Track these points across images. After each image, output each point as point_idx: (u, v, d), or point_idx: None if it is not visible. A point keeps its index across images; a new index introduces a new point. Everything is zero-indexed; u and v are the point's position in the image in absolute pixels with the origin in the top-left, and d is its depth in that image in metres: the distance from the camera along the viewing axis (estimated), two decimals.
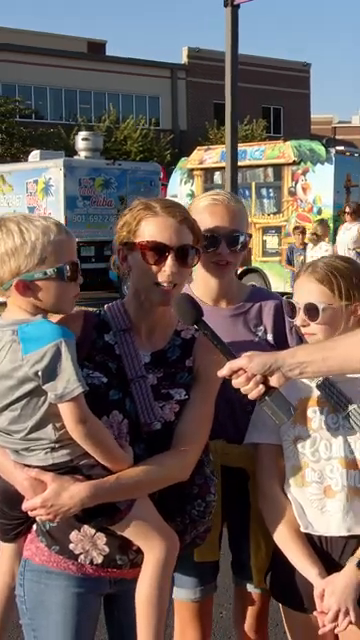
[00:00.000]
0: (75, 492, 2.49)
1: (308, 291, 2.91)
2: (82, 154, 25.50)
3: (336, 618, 2.80)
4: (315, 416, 2.91)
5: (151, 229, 2.69)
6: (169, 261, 2.67)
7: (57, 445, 2.49)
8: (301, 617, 2.97)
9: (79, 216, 22.35)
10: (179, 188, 20.65)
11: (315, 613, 2.86)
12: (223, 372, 2.63)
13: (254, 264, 17.91)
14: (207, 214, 3.09)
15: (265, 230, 18.74)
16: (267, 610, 3.33)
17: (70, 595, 2.69)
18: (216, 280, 3.19)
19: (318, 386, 2.91)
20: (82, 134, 26.66)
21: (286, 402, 2.63)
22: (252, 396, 2.60)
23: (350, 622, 2.80)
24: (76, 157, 25.49)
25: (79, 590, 2.70)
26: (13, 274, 2.48)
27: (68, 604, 2.69)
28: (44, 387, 2.41)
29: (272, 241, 18.55)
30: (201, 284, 3.22)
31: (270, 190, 19.14)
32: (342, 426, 2.86)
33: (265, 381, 2.60)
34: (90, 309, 2.88)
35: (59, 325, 2.49)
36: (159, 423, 2.67)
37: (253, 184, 19.21)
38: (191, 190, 20.39)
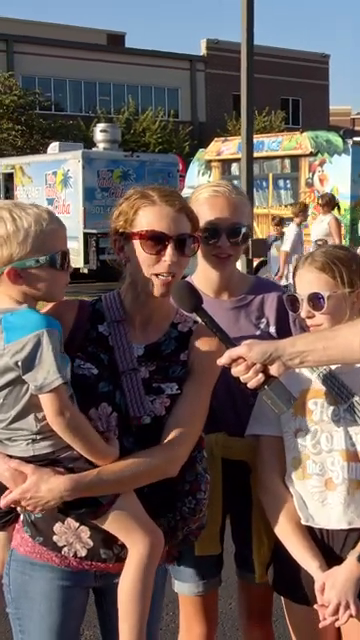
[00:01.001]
0: (54, 485, 2.45)
1: (309, 281, 2.88)
2: (100, 146, 25.55)
3: (337, 612, 2.78)
4: (316, 408, 2.87)
5: (149, 218, 2.63)
6: (169, 250, 2.61)
7: (38, 437, 2.46)
8: (303, 610, 2.94)
9: (97, 207, 22.39)
10: (197, 179, 20.58)
11: (316, 606, 2.84)
12: (222, 360, 2.60)
13: None
14: (208, 206, 3.05)
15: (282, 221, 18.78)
16: (271, 603, 3.31)
17: (54, 587, 2.67)
18: (217, 272, 3.15)
19: (320, 377, 2.87)
20: (100, 126, 26.72)
21: (286, 392, 2.60)
22: (251, 385, 2.57)
23: (351, 616, 2.78)
24: (94, 149, 25.55)
25: (63, 583, 2.68)
26: (4, 262, 2.44)
27: (52, 596, 2.67)
28: (24, 377, 2.37)
29: None
30: (202, 276, 3.19)
31: (287, 181, 19.13)
32: (343, 418, 2.83)
33: (265, 370, 2.56)
34: (86, 299, 2.84)
35: (44, 315, 2.45)
36: (149, 417, 2.62)
37: (270, 175, 19.22)
38: (209, 182, 20.34)
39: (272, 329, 3.17)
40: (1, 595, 2.82)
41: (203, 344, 2.73)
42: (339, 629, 2.90)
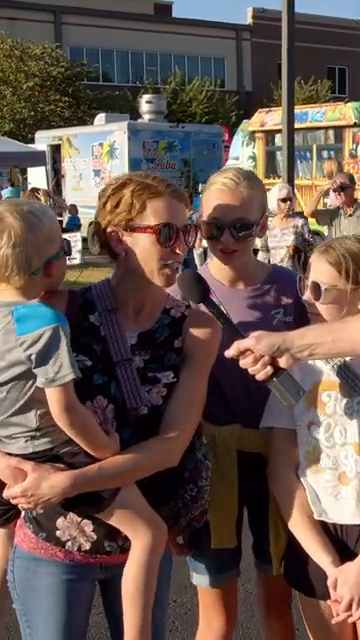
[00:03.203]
0: (56, 482, 2.44)
1: (318, 270, 2.86)
2: (146, 117, 25.63)
3: (350, 607, 2.76)
4: (329, 400, 2.83)
5: (161, 210, 2.57)
6: (181, 242, 2.60)
7: (38, 433, 2.43)
8: (318, 604, 2.91)
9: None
10: (241, 150, 20.66)
11: (329, 602, 2.82)
12: (230, 352, 2.57)
13: (315, 227, 17.95)
14: (214, 200, 2.98)
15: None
16: (290, 595, 3.25)
17: (60, 582, 2.66)
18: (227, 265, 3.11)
19: (334, 369, 2.83)
20: (146, 97, 26.80)
21: (295, 384, 2.56)
22: (259, 377, 2.54)
23: None
24: (140, 120, 25.67)
25: (69, 577, 2.66)
26: (42, 259, 2.46)
27: (58, 591, 2.66)
28: (35, 370, 2.34)
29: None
30: (217, 265, 3.14)
31: (331, 152, 19.03)
32: (357, 411, 2.78)
33: (274, 362, 2.53)
34: (75, 288, 2.77)
35: (56, 309, 2.43)
36: (146, 408, 2.58)
37: (314, 146, 19.17)
38: (253, 152, 20.39)
39: (289, 319, 3.10)
40: (6, 591, 2.84)
41: (197, 330, 2.68)
42: (355, 623, 2.87)
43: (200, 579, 3.22)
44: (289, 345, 2.52)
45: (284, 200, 10.65)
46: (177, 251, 2.59)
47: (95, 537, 2.60)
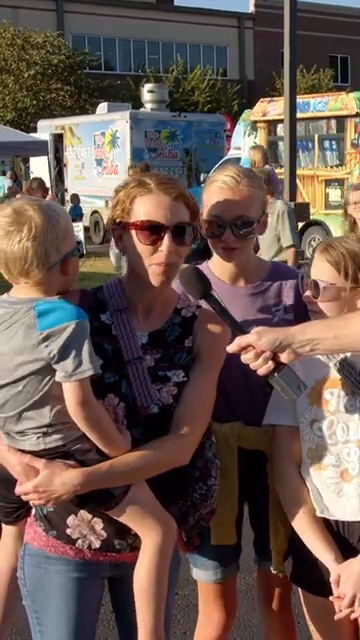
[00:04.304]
0: (68, 479, 2.44)
1: (318, 269, 2.88)
2: (148, 106, 25.57)
3: (352, 604, 2.77)
4: (332, 398, 2.85)
5: (146, 207, 2.57)
6: (165, 241, 2.56)
7: (50, 430, 2.44)
8: (320, 601, 2.93)
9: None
10: (242, 140, 20.59)
11: (331, 598, 2.82)
12: (232, 348, 2.59)
13: (317, 217, 17.99)
14: (215, 198, 3.00)
15: (328, 183, 18.69)
16: (290, 592, 3.30)
17: (70, 579, 2.67)
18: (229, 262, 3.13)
19: (336, 367, 2.85)
20: (148, 86, 26.72)
21: (296, 379, 2.57)
22: (261, 372, 2.55)
23: None
24: (142, 109, 25.66)
25: (79, 574, 2.68)
26: (60, 254, 2.47)
27: (68, 588, 2.67)
28: (55, 365, 2.35)
29: (334, 194, 18.38)
30: (217, 263, 3.16)
31: (333, 142, 19.00)
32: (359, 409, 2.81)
33: (275, 357, 2.55)
34: (87, 288, 2.78)
35: (76, 306, 2.44)
36: (156, 406, 2.59)
37: (316, 136, 19.11)
38: (254, 142, 20.22)
39: (289, 316, 3.11)
40: (16, 587, 2.87)
41: (207, 329, 2.70)
42: (356, 620, 2.88)
43: (200, 574, 3.27)
44: (290, 340, 2.54)
45: None
46: (161, 249, 2.57)
47: (105, 535, 2.61)
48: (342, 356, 2.83)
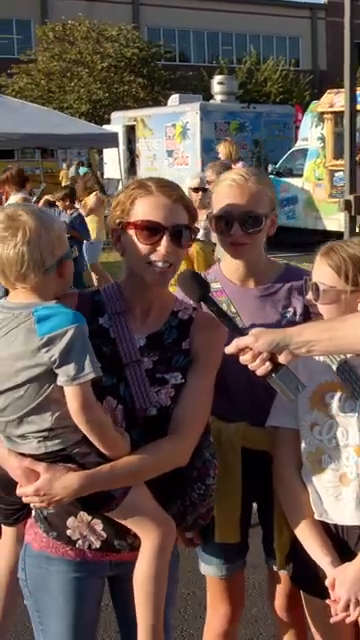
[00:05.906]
0: (68, 482, 2.48)
1: (319, 272, 2.89)
2: (218, 98, 25.56)
3: (347, 607, 2.79)
4: (332, 402, 2.86)
5: (145, 208, 2.62)
6: (164, 241, 2.60)
7: (50, 434, 2.47)
8: (320, 603, 2.93)
9: (215, 159, 22.71)
10: (310, 131, 20.53)
11: (328, 601, 2.85)
12: (229, 350, 2.62)
13: None
14: (223, 196, 3.06)
15: None
16: (299, 590, 3.23)
17: (71, 579, 2.71)
18: (238, 261, 3.15)
19: (337, 371, 2.86)
20: (217, 78, 26.71)
21: (294, 379, 2.60)
22: (259, 373, 2.58)
23: None
24: (212, 101, 25.87)
25: (79, 574, 2.72)
26: (55, 257, 2.50)
27: (69, 588, 2.71)
28: (57, 370, 2.38)
29: None
30: (228, 265, 3.19)
31: None
32: (359, 413, 2.83)
33: (273, 358, 2.57)
34: (85, 291, 2.83)
35: (74, 310, 2.48)
36: (155, 408, 2.62)
37: None
38: (321, 134, 20.19)
39: (298, 319, 3.11)
40: (18, 588, 2.90)
41: (204, 332, 2.74)
42: (357, 622, 2.88)
43: (207, 569, 3.36)
44: (287, 342, 2.57)
45: (195, 190, 8.47)
46: (159, 249, 2.61)
47: (105, 536, 2.66)
48: (343, 359, 2.85)
